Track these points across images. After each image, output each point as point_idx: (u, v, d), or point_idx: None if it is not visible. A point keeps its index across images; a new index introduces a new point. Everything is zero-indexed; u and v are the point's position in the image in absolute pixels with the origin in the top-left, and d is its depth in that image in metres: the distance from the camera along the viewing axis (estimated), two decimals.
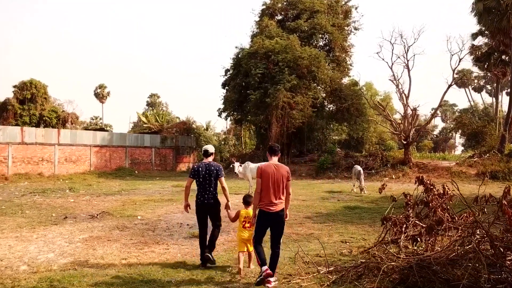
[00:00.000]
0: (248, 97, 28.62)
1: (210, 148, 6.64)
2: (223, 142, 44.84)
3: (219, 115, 35.79)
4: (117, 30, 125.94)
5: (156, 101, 79.10)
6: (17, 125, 30.95)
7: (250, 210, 5.97)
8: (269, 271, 5.21)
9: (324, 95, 33.04)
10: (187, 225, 9.72)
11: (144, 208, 12.56)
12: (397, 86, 26.21)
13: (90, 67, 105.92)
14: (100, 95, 70.53)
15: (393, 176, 25.66)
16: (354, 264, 5.42)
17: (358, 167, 18.30)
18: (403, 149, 28.40)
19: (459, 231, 5.21)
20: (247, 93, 28.75)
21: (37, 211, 11.90)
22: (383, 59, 26.54)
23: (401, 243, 5.90)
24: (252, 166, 17.68)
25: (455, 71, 25.21)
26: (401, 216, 6.20)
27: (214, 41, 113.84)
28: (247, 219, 6.00)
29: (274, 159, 5.68)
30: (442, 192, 5.94)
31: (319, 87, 31.77)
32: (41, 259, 6.48)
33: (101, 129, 40.27)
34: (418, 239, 5.77)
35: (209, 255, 6.12)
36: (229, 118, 36.52)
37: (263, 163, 5.97)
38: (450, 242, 4.95)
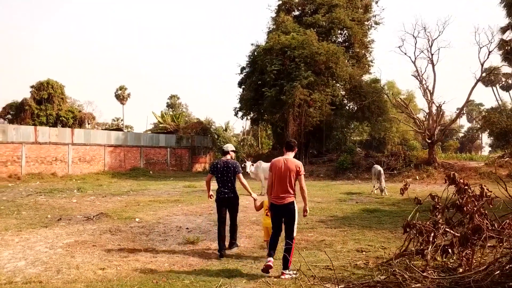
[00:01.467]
0: (264, 95, 27.64)
1: (226, 147, 7.06)
2: (241, 143, 44.09)
3: (235, 114, 34.99)
4: (138, 32, 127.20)
5: (176, 102, 79.08)
6: (34, 125, 30.90)
7: None
8: (269, 263, 5.35)
9: (344, 92, 31.75)
10: (186, 228, 8.84)
11: (146, 209, 11.75)
12: (420, 82, 24.77)
13: (111, 69, 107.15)
14: (121, 96, 71.10)
15: (417, 176, 24.22)
16: (369, 283, 4.37)
17: (378, 167, 17.09)
18: (427, 149, 26.90)
19: (504, 242, 4.11)
20: (263, 91, 27.75)
21: (34, 212, 11.25)
22: (405, 54, 25.14)
23: (428, 255, 4.82)
24: (264, 165, 16.70)
25: (484, 65, 23.50)
26: (428, 223, 5.13)
27: (232, 40, 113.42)
28: None
29: (289, 155, 5.71)
30: (479, 193, 4.83)
31: (338, 84, 30.51)
32: (8, 268, 5.68)
33: (117, 129, 40.05)
34: (450, 250, 4.70)
35: (222, 252, 6.43)
36: (245, 117, 35.54)
37: (276, 159, 5.90)
38: (494, 259, 3.85)
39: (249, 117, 36.17)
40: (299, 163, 5.59)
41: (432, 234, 4.93)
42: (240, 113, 34.32)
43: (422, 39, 33.77)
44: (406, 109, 24.99)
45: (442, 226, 5.02)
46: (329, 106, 27.17)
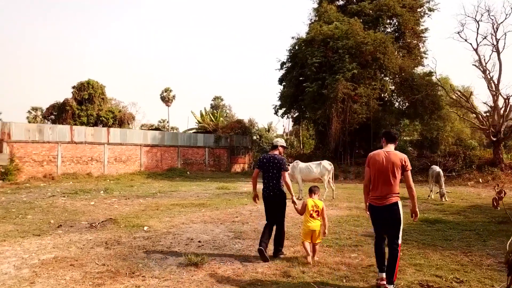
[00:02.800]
0: (305, 90, 25.63)
1: (276, 141, 6.67)
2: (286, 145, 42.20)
3: (276, 112, 33.30)
4: (183, 34, 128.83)
5: (220, 104, 79.09)
6: (75, 125, 30.83)
7: (316, 199, 6.09)
8: (383, 281, 4.66)
9: (393, 87, 29.04)
10: (198, 241, 7.18)
11: (163, 215, 10.27)
12: (484, 71, 21.71)
13: (158, 70, 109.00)
14: (166, 98, 72.40)
15: (480, 179, 21.24)
16: None
17: (437, 168, 14.65)
18: (490, 148, 23.74)
19: None
20: (304, 86, 25.75)
21: (40, 215, 10.10)
22: (465, 40, 22.22)
23: None
24: (302, 165, 14.83)
25: None
26: None
27: (275, 37, 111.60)
28: (315, 207, 5.94)
29: (390, 147, 4.96)
30: None
31: (386, 78, 27.90)
32: None
33: (156, 129, 39.57)
34: None
35: (264, 250, 5.89)
36: (286, 116, 33.59)
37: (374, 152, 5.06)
38: None
39: (290, 116, 34.33)
40: (405, 157, 4.82)
41: None
42: (280, 111, 32.57)
43: (485, 23, 30.32)
44: (466, 102, 22.00)
45: None
46: (376, 101, 24.67)
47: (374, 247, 5.00)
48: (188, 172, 29.47)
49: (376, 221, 4.96)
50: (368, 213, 5.07)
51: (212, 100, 79.57)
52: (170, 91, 72.67)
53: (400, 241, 4.78)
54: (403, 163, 4.74)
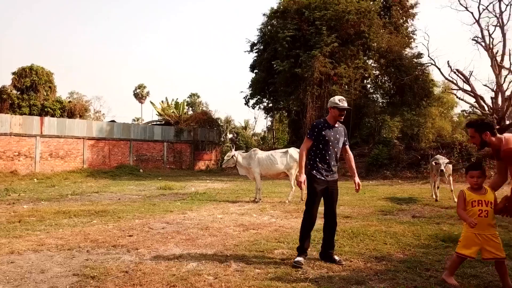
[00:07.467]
0: (276, 72, 21.63)
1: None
2: (261, 142, 38.48)
3: (246, 103, 29.24)
4: (160, 30, 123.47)
5: (196, 101, 75.42)
6: None
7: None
8: None
9: (378, 72, 25.34)
10: None
11: (14, 232, 6.11)
12: (487, 49, 18.16)
13: (132, 68, 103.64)
14: (139, 95, 69.33)
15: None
16: None
17: (442, 158, 10.85)
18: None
19: None
20: (275, 67, 21.76)
21: None
22: (466, 8, 18.57)
23: None
24: (262, 155, 10.80)
25: None
26: None
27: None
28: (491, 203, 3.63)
29: None
30: None
31: (370, 61, 24.16)
32: None
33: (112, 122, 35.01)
34: None
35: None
36: (257, 106, 29.50)
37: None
38: None
39: (262, 106, 30.27)
40: None
41: None
42: (251, 101, 28.58)
43: None
44: (466, 83, 18.42)
45: None
46: (359, 83, 20.85)
47: None
48: (141, 170, 25.13)
49: None
50: None
51: (188, 97, 75.58)
52: (144, 87, 68.60)
53: None
54: None
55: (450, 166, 10.83)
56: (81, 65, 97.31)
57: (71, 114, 33.35)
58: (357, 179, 4.72)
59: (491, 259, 3.57)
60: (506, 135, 3.61)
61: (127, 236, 5.82)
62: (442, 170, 10.03)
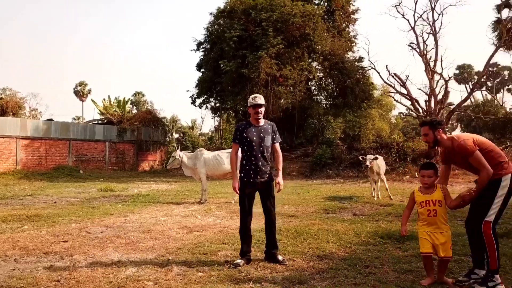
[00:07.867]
0: (223, 71, 21.53)
1: None
2: (209, 142, 38.01)
3: (193, 102, 28.74)
4: (101, 27, 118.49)
5: (141, 100, 73.29)
6: None
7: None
8: None
9: (322, 74, 26.05)
10: None
11: None
12: (421, 55, 19.29)
13: (72, 64, 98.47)
14: (80, 92, 66.29)
15: (416, 173, 18.81)
16: None
17: (379, 158, 11.28)
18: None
19: None
20: (221, 67, 21.65)
21: None
22: (403, 16, 19.60)
23: None
24: (208, 156, 10.68)
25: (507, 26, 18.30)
26: None
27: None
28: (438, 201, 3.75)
29: None
30: None
31: (314, 63, 24.77)
32: None
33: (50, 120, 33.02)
34: None
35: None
36: (204, 106, 29.14)
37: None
38: None
39: (209, 105, 29.94)
40: None
41: None
42: (198, 101, 28.16)
43: None
44: (403, 86, 19.46)
45: None
46: (304, 85, 21.33)
47: None
48: (81, 171, 23.92)
49: None
50: None
51: (133, 96, 73.28)
52: (85, 85, 65.52)
53: None
54: None
55: (383, 164, 11.29)
56: (16, 59, 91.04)
57: (2, 112, 31.00)
58: (279, 179, 4.62)
59: (444, 258, 3.67)
60: (455, 134, 3.78)
61: (61, 242, 5.48)
62: (367, 166, 10.46)
